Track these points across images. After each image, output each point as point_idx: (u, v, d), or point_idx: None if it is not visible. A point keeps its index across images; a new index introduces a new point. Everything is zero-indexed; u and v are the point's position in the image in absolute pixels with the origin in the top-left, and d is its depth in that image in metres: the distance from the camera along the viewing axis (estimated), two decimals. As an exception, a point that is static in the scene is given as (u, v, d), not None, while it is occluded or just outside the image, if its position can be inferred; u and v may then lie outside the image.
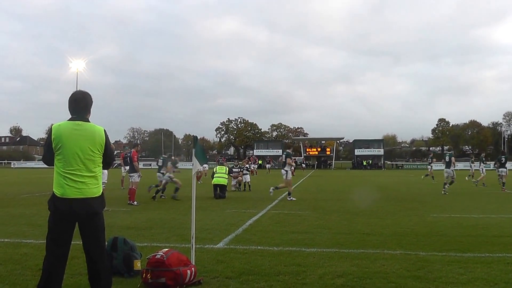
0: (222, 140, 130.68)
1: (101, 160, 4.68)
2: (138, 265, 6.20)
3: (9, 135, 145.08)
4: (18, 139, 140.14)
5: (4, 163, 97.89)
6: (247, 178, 23.69)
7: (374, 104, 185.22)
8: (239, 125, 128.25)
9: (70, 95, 4.72)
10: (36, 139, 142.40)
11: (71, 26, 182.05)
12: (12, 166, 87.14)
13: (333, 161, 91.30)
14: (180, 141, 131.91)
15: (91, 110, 4.81)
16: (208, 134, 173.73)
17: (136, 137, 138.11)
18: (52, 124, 4.65)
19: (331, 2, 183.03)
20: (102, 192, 4.68)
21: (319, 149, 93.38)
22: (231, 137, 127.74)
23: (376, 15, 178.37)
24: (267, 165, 59.48)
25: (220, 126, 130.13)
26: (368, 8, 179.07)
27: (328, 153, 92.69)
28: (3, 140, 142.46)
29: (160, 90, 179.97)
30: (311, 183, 31.40)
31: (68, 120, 4.64)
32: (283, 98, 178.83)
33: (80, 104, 4.68)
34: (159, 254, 5.76)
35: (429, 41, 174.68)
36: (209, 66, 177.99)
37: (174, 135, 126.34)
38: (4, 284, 5.86)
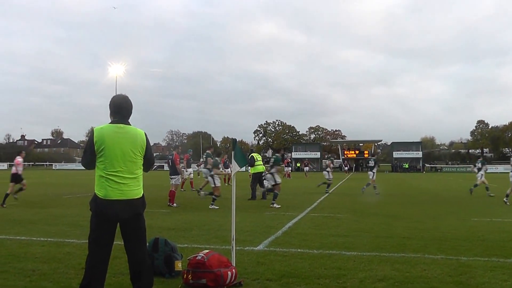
0: (260, 143, 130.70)
1: (142, 163, 4.71)
2: (179, 266, 6.21)
3: (51, 137, 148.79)
4: (59, 142, 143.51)
5: (46, 165, 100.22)
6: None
7: (412, 106, 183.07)
8: (277, 128, 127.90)
9: (111, 98, 4.77)
10: (76, 142, 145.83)
11: (111, 31, 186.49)
12: (53, 168, 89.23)
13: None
14: (218, 143, 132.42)
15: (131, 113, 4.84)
16: (246, 136, 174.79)
17: (175, 140, 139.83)
18: (94, 127, 4.69)
19: (369, 3, 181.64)
20: (143, 194, 4.70)
21: (357, 152, 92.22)
22: (269, 139, 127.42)
23: (414, 15, 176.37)
24: (305, 168, 59.01)
25: (258, 128, 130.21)
26: (406, 8, 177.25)
27: (366, 155, 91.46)
28: (44, 143, 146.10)
29: (199, 93, 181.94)
30: (349, 186, 31.06)
31: (110, 123, 4.68)
32: (320, 100, 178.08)
33: (121, 108, 4.72)
34: (199, 256, 5.74)
35: (468, 41, 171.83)
36: (247, 69, 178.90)
37: (213, 138, 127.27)
38: (48, 281, 5.96)
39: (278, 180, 16.68)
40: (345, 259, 7.25)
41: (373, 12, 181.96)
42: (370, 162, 20.89)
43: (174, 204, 15.65)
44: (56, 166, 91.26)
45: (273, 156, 17.51)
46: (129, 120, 4.80)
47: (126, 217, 4.51)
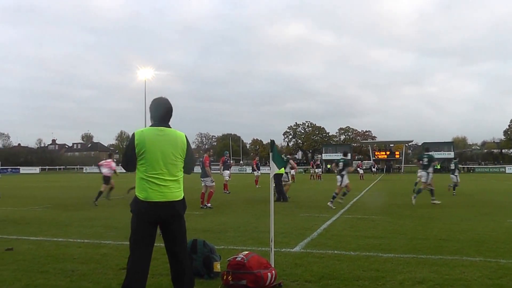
0: (290, 145, 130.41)
1: (183, 165, 4.71)
2: (217, 267, 6.18)
3: (81, 141, 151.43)
4: (89, 146, 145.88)
5: (77, 168, 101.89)
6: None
7: (443, 106, 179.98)
8: (306, 129, 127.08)
9: (151, 102, 4.79)
10: (106, 145, 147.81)
11: (140, 36, 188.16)
12: (84, 171, 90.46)
13: (403, 165, 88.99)
14: (248, 145, 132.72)
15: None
16: (275, 138, 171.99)
17: (204, 142, 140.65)
18: (134, 131, 4.67)
19: (399, 2, 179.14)
20: (184, 197, 4.71)
21: (388, 153, 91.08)
22: (299, 141, 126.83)
23: (445, 13, 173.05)
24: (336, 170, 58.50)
25: (288, 130, 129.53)
26: (436, 6, 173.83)
27: (397, 156, 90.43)
28: (75, 147, 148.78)
29: (228, 95, 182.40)
30: (381, 188, 30.74)
31: (150, 126, 4.71)
32: (350, 101, 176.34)
33: (162, 111, 4.75)
34: (239, 257, 5.68)
35: (501, 38, 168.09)
36: (276, 71, 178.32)
37: (242, 140, 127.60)
38: (88, 282, 6.02)
39: (347, 181, 17.02)
40: (382, 261, 7.13)
41: (403, 11, 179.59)
42: (451, 165, 19.99)
43: (209, 204, 15.77)
44: (87, 169, 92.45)
45: (341, 160, 17.50)
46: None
47: (167, 219, 4.53)
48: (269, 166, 7.06)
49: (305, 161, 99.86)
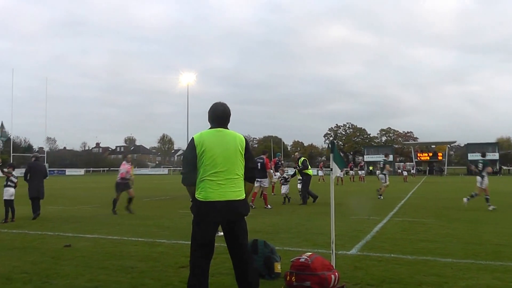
0: (330, 147, 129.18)
1: (243, 165, 4.66)
2: (278, 267, 6.10)
3: (124, 144, 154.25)
4: (132, 148, 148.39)
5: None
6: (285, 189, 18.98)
7: (487, 104, 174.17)
8: (347, 131, 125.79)
9: (210, 106, 4.81)
10: (148, 148, 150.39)
11: (182, 42, 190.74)
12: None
13: (446, 167, 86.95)
14: (289, 147, 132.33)
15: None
16: (316, 140, 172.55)
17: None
18: (194, 135, 4.68)
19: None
20: (245, 197, 4.64)
21: (430, 154, 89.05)
22: (340, 143, 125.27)
23: (487, 8, 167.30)
24: (377, 172, 57.61)
25: (329, 132, 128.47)
26: (477, 2, 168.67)
27: (440, 158, 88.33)
28: (118, 150, 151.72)
29: (269, 98, 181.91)
30: (426, 190, 30.03)
31: (208, 129, 4.72)
32: (391, 101, 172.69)
33: (220, 115, 4.76)
34: (303, 258, 5.57)
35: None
36: (317, 73, 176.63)
37: (283, 142, 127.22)
38: (150, 279, 6.06)
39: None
40: (441, 266, 6.91)
41: (443, 8, 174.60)
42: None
43: (269, 206, 16.04)
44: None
45: (481, 161, 17.23)
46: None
47: (227, 219, 4.49)
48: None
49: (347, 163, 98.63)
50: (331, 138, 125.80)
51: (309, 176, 18.21)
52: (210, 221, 4.45)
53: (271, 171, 16.53)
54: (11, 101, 75.43)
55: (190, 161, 4.56)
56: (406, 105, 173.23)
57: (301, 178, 18.29)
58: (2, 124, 26.96)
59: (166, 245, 8.49)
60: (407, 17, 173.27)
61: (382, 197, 20.27)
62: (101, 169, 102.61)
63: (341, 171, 23.66)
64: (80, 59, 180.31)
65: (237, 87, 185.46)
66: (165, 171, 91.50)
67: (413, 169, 63.08)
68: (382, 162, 21.58)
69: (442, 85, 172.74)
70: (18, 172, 12.85)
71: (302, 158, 18.37)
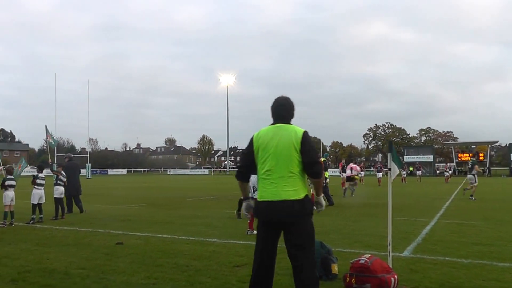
0: (369, 147, 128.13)
1: (299, 162, 4.34)
2: (335, 269, 6.03)
3: (164, 145, 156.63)
4: (172, 149, 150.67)
5: (161, 170, 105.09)
6: None
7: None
8: (386, 131, 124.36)
9: (273, 101, 4.63)
10: (188, 149, 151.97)
11: (221, 44, 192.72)
12: (168, 173, 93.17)
13: (487, 167, 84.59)
14: (328, 148, 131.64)
15: (294, 114, 4.65)
16: (355, 140, 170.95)
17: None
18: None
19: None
20: (306, 196, 4.32)
21: (471, 155, 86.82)
22: (379, 143, 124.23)
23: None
24: (418, 172, 56.38)
25: (368, 132, 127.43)
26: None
27: (481, 158, 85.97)
28: (159, 150, 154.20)
29: (308, 98, 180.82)
30: (469, 191, 29.21)
31: (269, 125, 4.56)
32: (431, 100, 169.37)
33: (278, 110, 4.56)
34: (362, 260, 5.50)
35: None
36: (356, 72, 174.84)
37: (322, 142, 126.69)
38: (206, 277, 6.07)
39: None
40: (499, 271, 6.68)
41: (485, 2, 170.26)
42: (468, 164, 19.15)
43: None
44: (171, 171, 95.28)
45: (471, 160, 17.00)
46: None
47: (281, 219, 4.27)
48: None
49: (385, 164, 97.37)
50: (370, 139, 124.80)
51: (326, 178, 17.87)
52: (266, 221, 4.33)
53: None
54: (55, 104, 77.63)
55: (245, 156, 4.51)
56: (446, 104, 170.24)
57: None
58: (46, 128, 27.36)
59: (217, 244, 8.51)
60: (448, 12, 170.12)
61: (473, 198, 19.88)
62: (142, 169, 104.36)
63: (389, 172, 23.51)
64: (121, 62, 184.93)
65: (276, 88, 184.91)
66: (205, 171, 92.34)
67: (450, 170, 61.18)
68: (470, 163, 21.08)
69: (483, 83, 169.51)
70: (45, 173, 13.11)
71: (322, 159, 18.09)
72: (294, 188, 4.27)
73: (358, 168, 26.70)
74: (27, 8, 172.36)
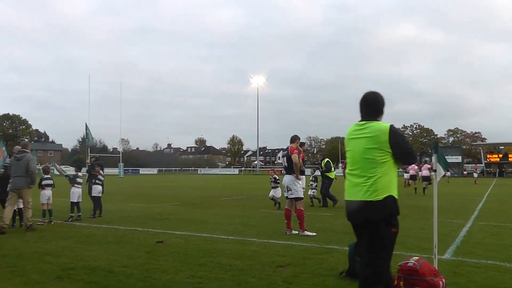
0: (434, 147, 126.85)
1: (385, 161, 4.17)
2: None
3: (195, 145, 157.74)
4: (202, 149, 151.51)
5: (191, 169, 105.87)
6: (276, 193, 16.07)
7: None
8: (414, 132, 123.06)
9: (361, 97, 4.51)
10: (218, 149, 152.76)
11: (250, 46, 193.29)
12: (198, 173, 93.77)
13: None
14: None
15: (383, 110, 4.53)
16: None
17: (313, 146, 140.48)
18: None
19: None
20: (387, 198, 4.10)
21: (500, 156, 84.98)
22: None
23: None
24: (447, 173, 55.33)
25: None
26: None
27: (510, 159, 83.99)
28: (189, 150, 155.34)
29: (336, 98, 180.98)
30: (500, 193, 28.59)
31: (355, 123, 4.47)
32: (459, 100, 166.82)
33: (363, 106, 4.46)
34: (411, 262, 5.39)
35: None
36: (384, 73, 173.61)
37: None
38: (251, 277, 6.05)
39: None
40: (547, 275, 6.46)
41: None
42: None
43: None
44: (201, 171, 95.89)
45: None
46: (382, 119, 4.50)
47: (358, 220, 4.20)
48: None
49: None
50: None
51: (331, 179, 17.43)
52: (351, 222, 4.28)
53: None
54: (88, 105, 78.93)
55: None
56: (474, 104, 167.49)
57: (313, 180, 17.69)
58: (86, 126, 28.09)
59: (257, 244, 8.50)
60: (477, 12, 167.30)
61: None
62: (173, 168, 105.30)
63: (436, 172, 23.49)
64: (152, 64, 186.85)
65: (304, 89, 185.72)
66: (235, 171, 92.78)
67: (478, 171, 59.74)
68: None
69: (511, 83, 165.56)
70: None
71: (326, 160, 17.70)
72: (373, 189, 4.12)
73: (416, 167, 27.68)
74: (63, 12, 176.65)
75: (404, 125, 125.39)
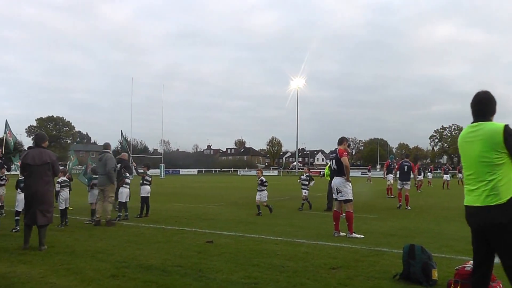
0: (435, 149, 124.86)
1: (504, 162, 3.96)
2: (435, 275, 5.83)
3: (234, 147, 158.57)
4: (242, 150, 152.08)
5: (231, 170, 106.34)
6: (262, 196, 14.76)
7: None
8: (453, 132, 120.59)
9: (472, 97, 4.36)
10: (257, 150, 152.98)
11: (291, 48, 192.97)
12: (238, 174, 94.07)
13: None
14: (394, 150, 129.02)
15: (495, 109, 4.31)
16: (421, 142, 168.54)
17: (352, 147, 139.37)
18: None
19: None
20: (510, 200, 3.88)
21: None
22: (445, 145, 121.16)
23: None
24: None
25: (434, 134, 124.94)
26: None
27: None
28: (229, 152, 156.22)
29: (375, 100, 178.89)
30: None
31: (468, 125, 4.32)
32: (499, 101, 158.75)
33: (479, 105, 4.28)
34: (468, 266, 5.27)
35: None
36: (423, 74, 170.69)
37: (388, 144, 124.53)
38: (306, 278, 6.02)
39: None
40: None
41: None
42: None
43: (408, 207, 16.21)
44: (241, 172, 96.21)
45: None
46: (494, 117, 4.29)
47: (481, 226, 4.01)
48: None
49: (452, 166, 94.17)
50: (436, 140, 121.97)
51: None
52: (472, 228, 4.13)
53: (416, 173, 16.23)
54: (131, 107, 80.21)
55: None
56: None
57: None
58: (122, 133, 28.80)
59: (308, 245, 8.45)
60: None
61: None
62: (213, 169, 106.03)
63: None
64: (193, 67, 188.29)
65: (344, 90, 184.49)
66: (275, 172, 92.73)
67: None
68: None
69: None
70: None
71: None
72: (494, 193, 3.97)
73: None
74: (107, 18, 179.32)
75: (442, 126, 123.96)
